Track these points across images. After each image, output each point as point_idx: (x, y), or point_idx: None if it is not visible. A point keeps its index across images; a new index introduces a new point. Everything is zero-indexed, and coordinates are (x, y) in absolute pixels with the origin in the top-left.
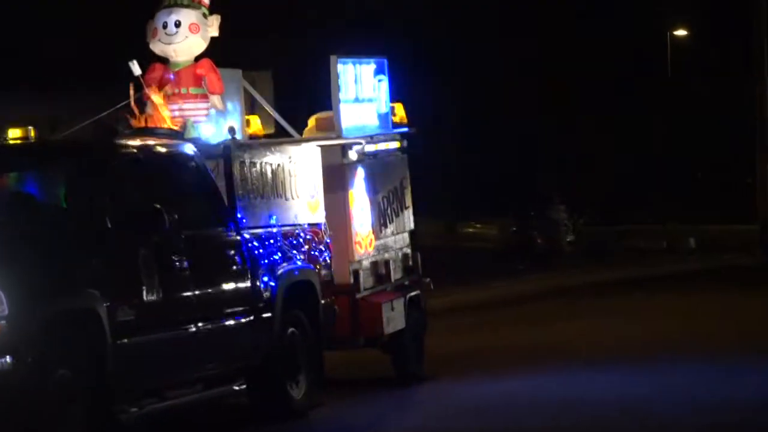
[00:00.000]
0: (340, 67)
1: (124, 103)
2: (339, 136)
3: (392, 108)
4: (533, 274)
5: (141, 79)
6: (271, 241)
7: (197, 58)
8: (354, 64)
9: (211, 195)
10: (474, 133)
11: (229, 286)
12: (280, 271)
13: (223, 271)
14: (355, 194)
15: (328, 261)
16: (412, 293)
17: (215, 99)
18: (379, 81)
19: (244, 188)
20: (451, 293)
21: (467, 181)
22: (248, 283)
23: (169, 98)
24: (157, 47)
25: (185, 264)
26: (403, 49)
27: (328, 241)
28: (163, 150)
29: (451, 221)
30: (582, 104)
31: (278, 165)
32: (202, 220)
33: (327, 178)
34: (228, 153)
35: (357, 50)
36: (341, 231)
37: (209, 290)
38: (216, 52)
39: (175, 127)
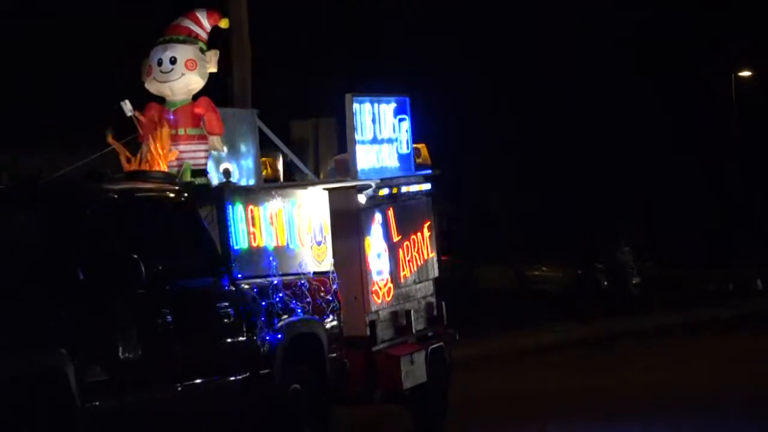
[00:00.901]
0: (356, 107)
1: (110, 147)
2: (354, 178)
3: (415, 149)
4: (599, 318)
5: (134, 120)
6: (270, 291)
7: (195, 97)
8: (372, 102)
9: (203, 243)
10: (533, 175)
11: (220, 341)
12: (280, 324)
13: (213, 326)
14: (372, 240)
15: (337, 312)
16: (435, 345)
17: (215, 140)
18: (400, 120)
19: (241, 236)
20: (517, 336)
21: (531, 224)
22: (243, 338)
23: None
24: (152, 86)
25: (168, 318)
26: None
27: (337, 289)
28: (149, 195)
29: (518, 264)
30: (646, 146)
31: (279, 210)
32: (191, 271)
33: (341, 222)
34: (221, 197)
35: (377, 88)
36: (356, 280)
37: (196, 347)
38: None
39: (171, 171)
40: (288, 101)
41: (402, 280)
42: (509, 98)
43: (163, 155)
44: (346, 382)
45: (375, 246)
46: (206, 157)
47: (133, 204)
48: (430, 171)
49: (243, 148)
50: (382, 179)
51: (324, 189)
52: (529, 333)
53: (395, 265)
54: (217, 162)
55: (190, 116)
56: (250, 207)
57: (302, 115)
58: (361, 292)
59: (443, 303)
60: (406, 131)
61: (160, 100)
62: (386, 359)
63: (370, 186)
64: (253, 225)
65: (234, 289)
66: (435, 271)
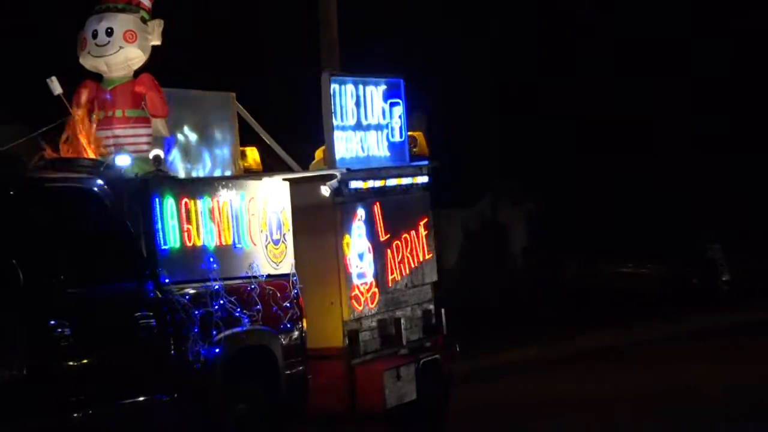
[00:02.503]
0: (334, 87)
1: (44, 129)
2: (333, 168)
3: (411, 138)
4: (691, 316)
5: (63, 99)
6: (208, 298)
7: (136, 74)
8: (356, 84)
9: (123, 243)
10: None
11: (137, 357)
12: (219, 336)
13: (129, 339)
14: (353, 238)
15: (298, 320)
16: (428, 358)
17: (158, 123)
18: (392, 105)
19: (172, 234)
20: (605, 335)
21: (613, 218)
22: (169, 352)
23: (100, 122)
24: (87, 61)
25: (66, 330)
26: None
27: (298, 295)
28: (57, 186)
29: (601, 260)
30: (734, 140)
31: (224, 204)
32: (105, 274)
33: (313, 218)
34: (146, 189)
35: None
36: (332, 283)
37: (106, 363)
38: None
39: (102, 158)
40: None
41: (390, 285)
42: (580, 89)
43: (87, 143)
44: (306, 399)
45: (356, 245)
46: (149, 143)
47: (38, 196)
48: (427, 162)
49: (218, 135)
50: (352, 170)
51: (284, 180)
52: (618, 330)
53: (382, 267)
54: (184, 149)
55: (129, 95)
56: (185, 200)
57: None
58: (338, 297)
59: (443, 310)
60: (400, 117)
61: (98, 77)
62: (367, 374)
63: (334, 177)
64: (188, 221)
65: (160, 295)
66: (433, 275)
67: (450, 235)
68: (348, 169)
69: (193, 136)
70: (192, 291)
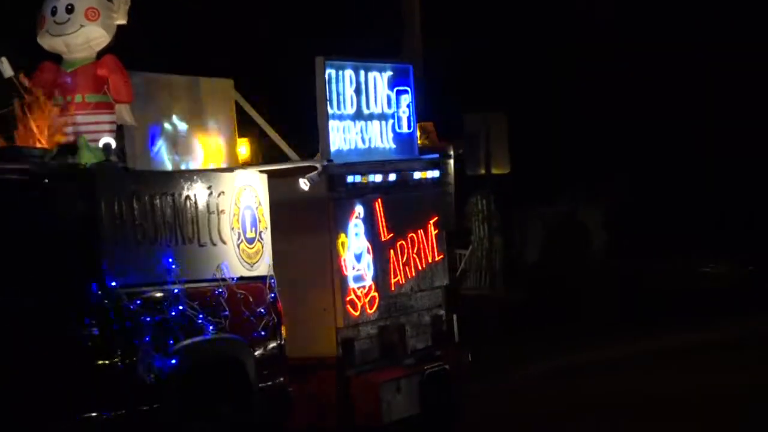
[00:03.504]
0: (330, 73)
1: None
2: (327, 161)
3: (421, 128)
4: None
5: (15, 82)
6: (165, 303)
7: (99, 55)
8: (356, 69)
9: (62, 242)
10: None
11: (74, 368)
12: (177, 346)
13: (64, 352)
14: (349, 237)
15: (275, 328)
16: (435, 368)
17: (122, 109)
18: (399, 93)
19: (122, 231)
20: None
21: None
22: (115, 364)
23: (61, 109)
24: (45, 40)
25: None
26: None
27: (275, 299)
28: None
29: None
30: None
31: (188, 199)
32: (39, 278)
33: (306, 216)
34: (92, 182)
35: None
36: (325, 287)
37: (34, 377)
38: None
39: (52, 148)
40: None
41: (393, 288)
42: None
43: (39, 130)
44: (287, 416)
45: (353, 245)
46: (111, 131)
47: None
48: (438, 155)
49: (212, 124)
50: (344, 163)
51: (261, 172)
52: (702, 329)
53: (383, 269)
54: (172, 140)
55: (91, 79)
56: (139, 194)
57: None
58: (331, 302)
59: (454, 316)
60: (408, 106)
61: (57, 58)
62: (363, 386)
63: (315, 168)
64: (142, 217)
65: (105, 300)
66: (444, 278)
67: (530, 233)
68: (329, 161)
69: (182, 126)
70: (144, 295)
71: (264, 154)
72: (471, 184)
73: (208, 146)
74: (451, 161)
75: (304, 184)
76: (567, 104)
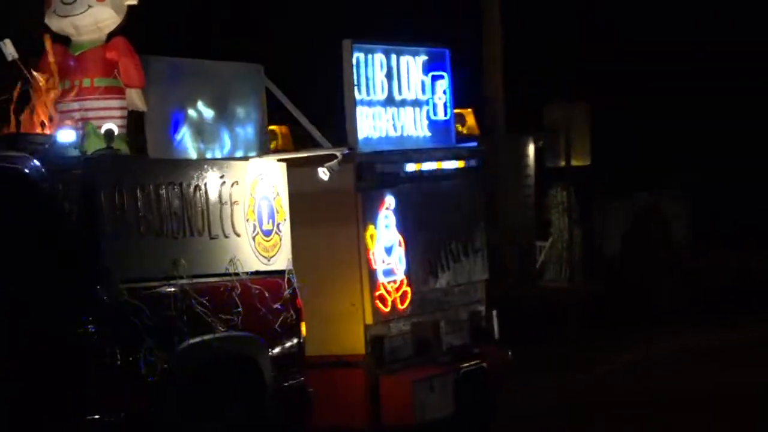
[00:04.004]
0: (358, 57)
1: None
2: (353, 150)
3: (458, 116)
4: None
5: (20, 65)
6: (172, 300)
7: (109, 38)
8: (387, 53)
9: (59, 236)
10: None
11: (71, 371)
12: (183, 345)
13: (61, 350)
14: (379, 230)
15: (295, 324)
16: (471, 367)
17: (133, 94)
18: (435, 78)
19: (125, 223)
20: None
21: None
22: (114, 364)
23: (66, 93)
24: (53, 22)
25: None
26: None
27: (294, 295)
28: None
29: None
30: None
31: (198, 189)
32: (34, 273)
33: (332, 207)
34: (92, 171)
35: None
36: (353, 282)
37: (28, 377)
38: None
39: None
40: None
41: (427, 283)
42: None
43: (47, 116)
44: (307, 417)
45: (383, 238)
46: (122, 117)
47: None
48: (476, 144)
49: (240, 112)
50: (373, 152)
51: (279, 161)
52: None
53: (417, 262)
54: (197, 127)
55: (100, 62)
56: (144, 184)
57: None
58: (359, 297)
59: (494, 312)
60: (444, 92)
61: (66, 41)
62: (393, 385)
63: (335, 157)
64: (147, 209)
65: (105, 297)
66: (483, 272)
67: (610, 226)
68: (350, 149)
69: (208, 113)
70: (148, 291)
71: (296, 144)
72: (551, 176)
73: (235, 134)
74: (531, 152)
75: (323, 173)
76: (649, 95)
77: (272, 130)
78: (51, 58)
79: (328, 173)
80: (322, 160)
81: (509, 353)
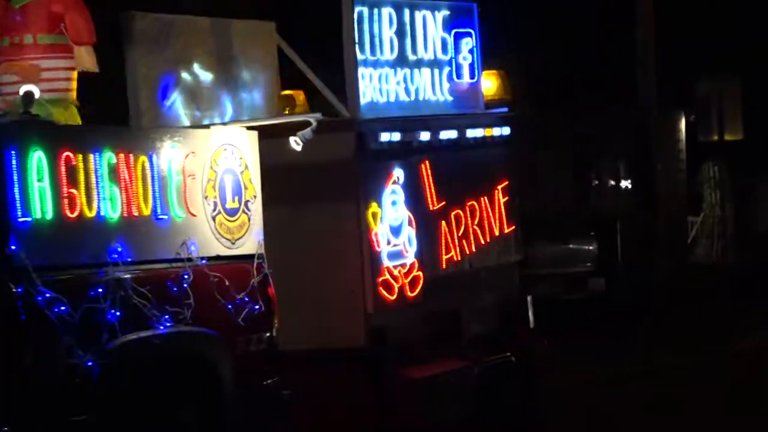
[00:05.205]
0: (361, 10)
1: None
2: (353, 115)
3: (487, 78)
4: None
5: None
6: (98, 290)
7: None
8: (399, 7)
9: None
10: None
11: None
12: (115, 344)
13: None
14: (384, 207)
15: (265, 318)
16: (498, 360)
17: (83, 52)
18: (458, 36)
19: (42, 200)
20: None
21: None
22: (22, 365)
23: (5, 51)
24: None
25: None
26: None
27: (262, 282)
28: None
29: None
30: None
31: (139, 161)
32: None
33: (328, 182)
34: (2, 140)
35: None
36: (352, 266)
37: None
38: None
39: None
40: None
41: (445, 266)
42: None
43: None
44: (287, 421)
45: (388, 216)
46: (69, 78)
47: None
48: (506, 109)
49: (246, 76)
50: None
51: (247, 129)
52: None
53: (431, 243)
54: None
55: (43, 16)
56: (68, 154)
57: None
58: (360, 283)
59: (528, 298)
60: (471, 52)
61: None
62: (398, 382)
63: (309, 124)
64: (72, 183)
65: (12, 286)
66: (516, 253)
67: (764, 201)
68: (323, 115)
69: (206, 76)
70: (70, 280)
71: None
72: (703, 151)
73: (239, 100)
74: (683, 126)
75: (295, 143)
76: None
77: (288, 96)
78: None
79: (300, 143)
80: (329, 130)
81: (545, 343)
